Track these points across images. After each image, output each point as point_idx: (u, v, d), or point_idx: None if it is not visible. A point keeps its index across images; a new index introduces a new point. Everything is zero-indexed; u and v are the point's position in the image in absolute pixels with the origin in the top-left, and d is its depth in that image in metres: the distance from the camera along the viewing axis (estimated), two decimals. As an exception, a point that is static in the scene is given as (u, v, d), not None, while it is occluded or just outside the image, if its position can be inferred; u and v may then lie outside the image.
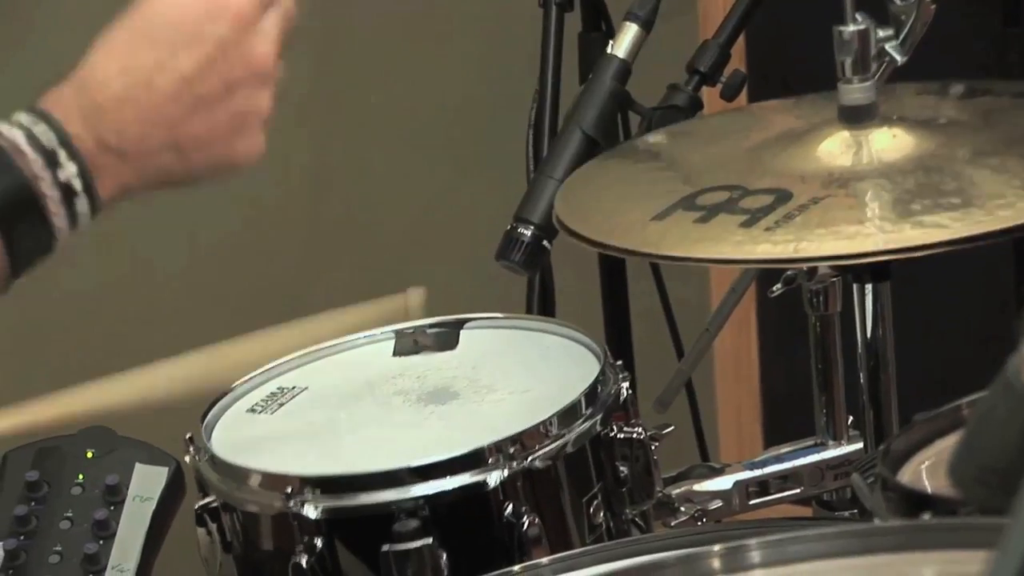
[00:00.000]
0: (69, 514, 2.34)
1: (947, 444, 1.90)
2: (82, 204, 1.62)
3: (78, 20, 2.72)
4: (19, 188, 1.58)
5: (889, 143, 2.05)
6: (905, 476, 1.90)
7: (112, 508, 2.33)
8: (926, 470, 1.91)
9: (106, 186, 1.64)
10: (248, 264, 3.20)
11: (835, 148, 2.05)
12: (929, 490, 1.85)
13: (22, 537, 2.29)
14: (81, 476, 2.37)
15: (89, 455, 2.41)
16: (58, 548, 2.29)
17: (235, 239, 3.21)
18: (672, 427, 2.17)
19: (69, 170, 1.59)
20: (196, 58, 1.69)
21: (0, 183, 1.58)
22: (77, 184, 1.60)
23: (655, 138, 2.25)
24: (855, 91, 2.05)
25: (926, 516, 1.78)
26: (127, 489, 2.36)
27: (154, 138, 1.66)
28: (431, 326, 2.22)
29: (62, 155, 1.59)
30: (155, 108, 1.66)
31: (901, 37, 2.21)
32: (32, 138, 1.59)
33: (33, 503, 2.34)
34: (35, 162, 1.58)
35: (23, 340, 3.11)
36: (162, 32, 1.70)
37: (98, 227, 1.74)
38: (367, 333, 2.22)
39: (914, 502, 1.82)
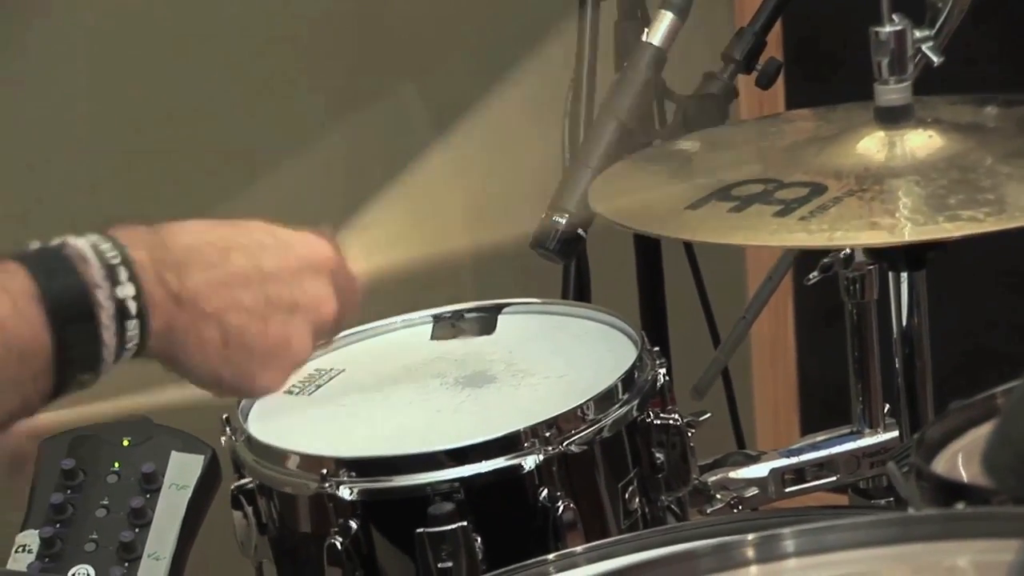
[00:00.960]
0: (105, 502, 2.34)
1: (982, 433, 1.90)
2: (132, 328, 1.61)
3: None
4: (78, 293, 1.58)
5: (924, 143, 2.06)
6: (940, 465, 1.89)
7: (148, 496, 2.33)
8: (961, 459, 1.91)
9: (156, 322, 1.63)
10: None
11: (871, 146, 2.06)
12: (964, 479, 1.85)
13: (58, 525, 2.29)
14: (117, 464, 2.38)
15: (125, 443, 2.41)
16: (94, 536, 2.28)
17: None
18: (709, 414, 2.19)
19: (127, 290, 1.59)
20: (278, 263, 1.74)
21: (60, 283, 1.57)
22: (132, 306, 1.60)
23: (687, 143, 2.25)
24: (891, 92, 2.06)
25: (960, 505, 1.78)
26: (163, 477, 2.36)
27: (210, 300, 1.68)
28: (469, 311, 2.23)
29: (123, 274, 1.59)
30: (221, 275, 1.69)
31: (938, 27, 2.21)
32: (97, 250, 1.59)
33: (69, 491, 2.34)
34: (97, 272, 1.58)
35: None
36: (257, 233, 1.76)
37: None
38: (405, 317, 2.24)
39: (949, 491, 1.81)
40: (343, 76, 3.29)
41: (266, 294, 1.71)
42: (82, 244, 1.60)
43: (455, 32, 3.30)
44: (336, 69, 3.29)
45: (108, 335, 1.58)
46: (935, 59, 2.16)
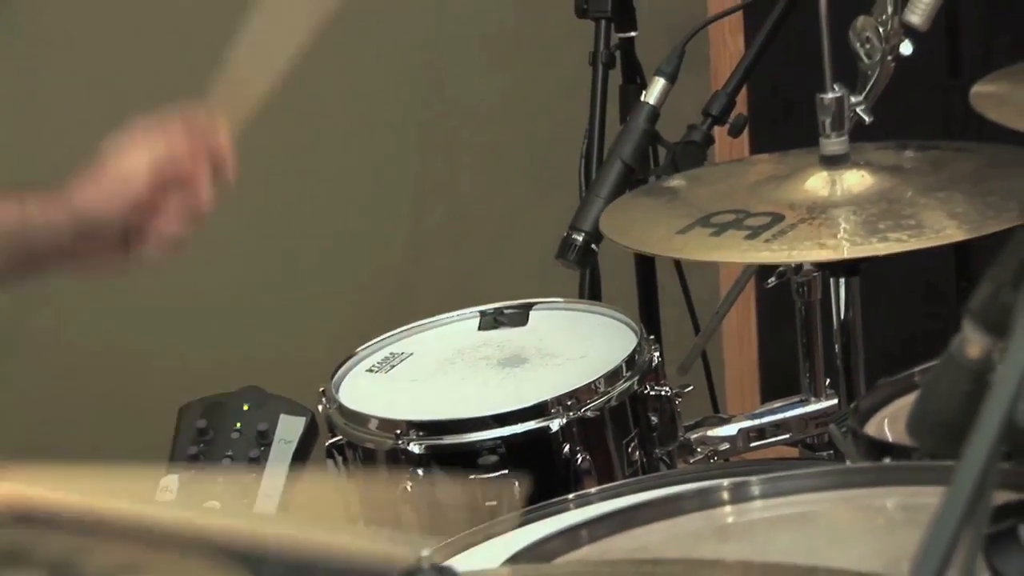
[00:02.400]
0: (229, 453, 2.36)
1: (904, 404, 1.89)
2: None
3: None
4: None
5: (858, 180, 2.04)
6: (870, 428, 1.89)
7: (262, 449, 2.35)
8: (887, 424, 1.91)
9: None
10: (358, 260, 3.18)
11: (817, 184, 2.04)
12: (890, 439, 1.85)
13: (193, 471, 2.30)
14: (239, 424, 2.39)
15: (245, 408, 2.42)
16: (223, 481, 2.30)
17: (352, 240, 3.19)
18: (691, 387, 2.19)
19: None
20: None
21: None
22: None
23: (675, 181, 2.23)
24: (832, 143, 2.05)
25: (887, 460, 1.77)
26: (274, 434, 2.37)
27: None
28: (507, 308, 2.22)
29: None
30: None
31: (867, 92, 2.20)
32: None
33: (202, 444, 2.37)
34: None
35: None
36: None
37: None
38: (458, 312, 2.23)
39: (878, 449, 1.82)
40: (373, 95, 3.25)
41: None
42: None
43: (498, 94, 3.27)
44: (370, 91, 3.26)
45: None
46: (866, 119, 2.16)
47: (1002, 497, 1.30)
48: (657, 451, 2.04)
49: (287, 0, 1.99)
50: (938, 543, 0.94)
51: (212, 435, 2.40)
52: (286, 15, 2.00)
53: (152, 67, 3.05)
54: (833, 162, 2.04)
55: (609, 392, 2.00)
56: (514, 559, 1.55)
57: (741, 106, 2.40)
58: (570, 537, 1.59)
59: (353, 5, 3.07)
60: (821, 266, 2.13)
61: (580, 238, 2.23)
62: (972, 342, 1.26)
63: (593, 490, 1.80)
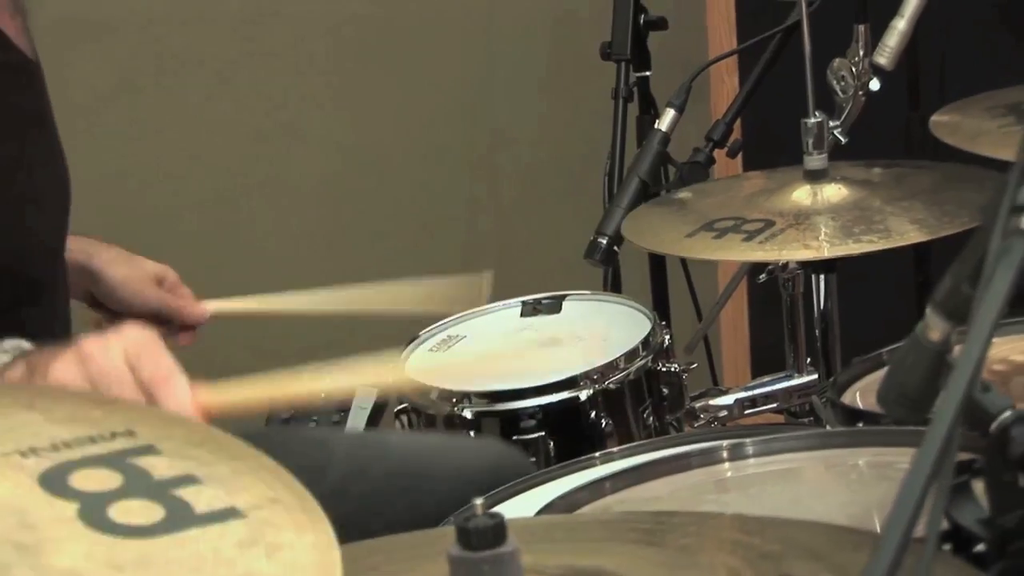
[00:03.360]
0: (315, 418, 2.33)
1: (874, 378, 1.89)
2: None
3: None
4: None
5: (836, 192, 2.03)
6: (846, 398, 1.88)
7: (342, 413, 2.33)
8: (859, 395, 1.89)
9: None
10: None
11: (802, 196, 2.04)
12: (862, 408, 1.84)
13: (285, 433, 2.29)
14: (323, 393, 2.37)
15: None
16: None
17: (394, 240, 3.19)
18: (695, 364, 2.17)
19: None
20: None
21: None
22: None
23: (683, 194, 2.23)
24: (814, 160, 2.04)
25: (860, 425, 1.76)
26: (352, 401, 2.35)
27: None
28: (545, 298, 2.20)
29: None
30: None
31: (843, 119, 2.20)
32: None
33: (293, 411, 2.35)
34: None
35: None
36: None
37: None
38: (504, 302, 2.20)
39: (852, 416, 1.81)
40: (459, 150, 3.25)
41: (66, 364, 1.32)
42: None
43: (535, 124, 3.25)
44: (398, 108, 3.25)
45: None
46: (842, 140, 2.15)
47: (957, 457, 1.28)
48: (667, 417, 2.03)
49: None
50: (910, 494, 0.92)
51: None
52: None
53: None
54: (815, 177, 2.04)
55: (628, 368, 1.98)
56: (548, 507, 1.54)
57: (737, 132, 2.40)
58: (596, 488, 1.59)
59: (410, 50, 3.08)
60: (805, 264, 2.13)
61: (604, 241, 2.23)
62: (934, 327, 1.24)
63: (615, 449, 1.78)
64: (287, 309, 2.08)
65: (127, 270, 1.93)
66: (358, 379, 1.37)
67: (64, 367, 1.31)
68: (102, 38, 2.91)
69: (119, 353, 1.30)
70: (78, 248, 1.89)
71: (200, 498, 1.01)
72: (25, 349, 1.41)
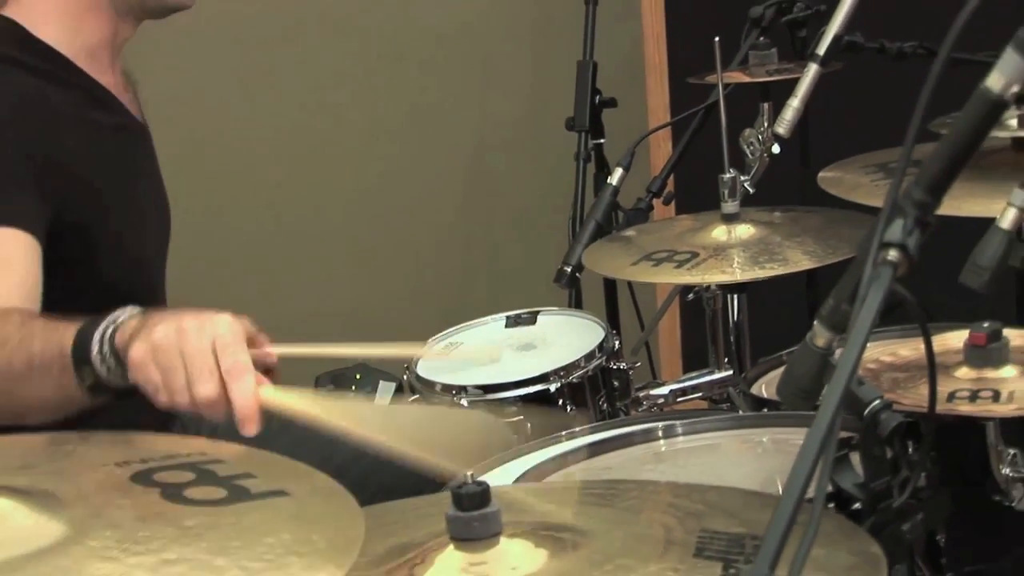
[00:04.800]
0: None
1: (776, 374, 1.88)
2: (102, 370, 1.30)
3: None
4: (85, 353, 1.30)
5: (746, 231, 2.00)
6: (754, 390, 1.87)
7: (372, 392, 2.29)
8: (764, 387, 1.88)
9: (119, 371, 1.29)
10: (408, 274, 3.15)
11: (720, 234, 2.01)
12: (766, 397, 1.82)
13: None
14: (353, 387, 2.35)
15: (357, 376, 2.38)
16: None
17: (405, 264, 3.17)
18: (639, 363, 2.16)
19: (108, 355, 1.30)
20: (185, 339, 1.24)
21: (81, 347, 1.30)
22: (109, 362, 1.30)
23: (629, 232, 2.19)
24: (729, 206, 2.01)
25: (764, 410, 1.75)
26: (375, 393, 2.32)
27: (137, 359, 1.27)
28: (524, 313, 2.16)
29: (107, 347, 1.30)
30: (149, 344, 1.26)
31: (751, 175, 2.19)
32: (103, 335, 1.31)
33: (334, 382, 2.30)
34: (96, 344, 1.30)
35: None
36: (187, 319, 1.26)
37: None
38: (493, 316, 2.16)
39: (759, 403, 1.80)
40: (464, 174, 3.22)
41: (170, 355, 1.24)
42: (101, 328, 1.30)
43: (519, 181, 3.23)
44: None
45: (100, 371, 1.30)
46: (751, 190, 2.14)
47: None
48: (617, 404, 2.00)
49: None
50: (803, 464, 0.90)
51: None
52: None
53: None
54: (730, 219, 2.01)
55: (587, 367, 1.95)
56: (523, 476, 1.52)
57: (671, 185, 2.38)
58: (561, 460, 1.57)
59: (415, 121, 3.04)
60: (722, 286, 2.10)
61: (568, 269, 2.20)
62: (820, 335, 1.23)
63: (577, 429, 1.74)
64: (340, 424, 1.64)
65: None
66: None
67: (164, 332, 1.23)
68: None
69: (210, 338, 1.23)
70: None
71: (255, 485, 1.04)
72: (143, 311, 1.32)
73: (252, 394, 1.22)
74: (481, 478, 1.10)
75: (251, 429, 1.22)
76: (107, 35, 1.65)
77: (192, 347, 1.23)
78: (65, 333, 1.32)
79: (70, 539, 0.94)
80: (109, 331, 1.30)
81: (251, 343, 1.27)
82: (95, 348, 1.29)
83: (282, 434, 1.25)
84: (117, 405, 1.33)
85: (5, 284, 1.44)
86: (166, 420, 1.64)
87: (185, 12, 1.67)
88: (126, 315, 1.31)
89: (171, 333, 1.24)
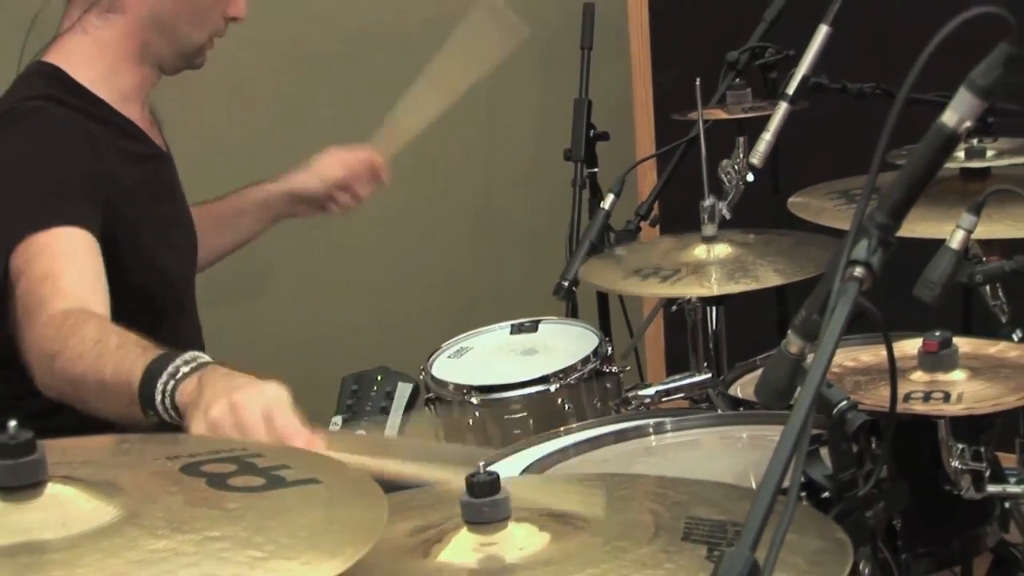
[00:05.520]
0: (370, 404, 2.28)
1: (752, 377, 1.86)
2: (162, 410, 1.29)
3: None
4: (151, 393, 1.29)
5: (724, 250, 1.98)
6: (732, 391, 1.86)
7: (388, 401, 2.26)
8: (741, 389, 1.87)
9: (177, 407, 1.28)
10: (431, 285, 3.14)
11: (700, 252, 1.99)
12: (743, 398, 1.81)
13: (348, 414, 2.23)
14: (375, 387, 2.32)
15: (379, 378, 2.34)
16: (366, 420, 2.22)
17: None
18: (628, 367, 2.11)
19: (168, 398, 1.29)
20: (235, 398, 1.22)
21: (147, 387, 1.29)
22: (167, 403, 1.29)
23: (619, 251, 2.17)
24: (709, 227, 1.99)
25: (741, 409, 1.73)
26: (395, 392, 2.30)
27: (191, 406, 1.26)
28: (527, 322, 2.14)
29: (170, 389, 1.28)
30: (204, 399, 1.25)
31: (728, 201, 2.17)
32: (170, 378, 1.29)
33: (354, 399, 2.26)
34: (159, 388, 1.29)
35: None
36: (239, 380, 1.26)
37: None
38: (499, 324, 2.13)
39: (736, 404, 1.79)
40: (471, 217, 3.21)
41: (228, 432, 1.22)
42: (162, 381, 1.28)
43: (522, 207, 3.21)
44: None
45: (164, 417, 1.29)
46: (728, 215, 2.11)
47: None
48: (610, 403, 1.97)
49: (449, 72, 1.89)
50: (779, 459, 0.90)
51: (360, 393, 2.33)
52: (444, 85, 1.91)
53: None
54: (709, 240, 1.99)
55: (583, 370, 1.92)
56: (528, 467, 1.51)
57: (656, 209, 2.36)
58: (561, 454, 1.56)
59: (432, 152, 3.02)
60: (702, 299, 2.07)
61: (566, 283, 2.17)
62: (793, 343, 1.22)
63: (574, 425, 1.74)
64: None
65: (320, 169, 1.99)
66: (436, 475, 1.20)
67: (220, 411, 1.21)
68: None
69: (260, 408, 1.20)
70: (259, 188, 1.99)
71: (290, 474, 1.04)
72: (201, 362, 1.29)
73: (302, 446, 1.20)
74: (491, 468, 1.10)
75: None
76: (136, 82, 1.69)
77: (248, 423, 1.20)
78: (133, 368, 1.29)
79: (125, 520, 0.96)
80: (170, 387, 1.27)
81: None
82: (158, 399, 1.28)
83: None
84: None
85: (78, 275, 1.44)
86: None
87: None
88: (186, 368, 1.28)
89: (226, 411, 1.21)
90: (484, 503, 1.08)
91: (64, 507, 0.96)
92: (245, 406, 1.21)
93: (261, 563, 0.90)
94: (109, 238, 1.54)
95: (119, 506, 0.97)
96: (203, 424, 1.22)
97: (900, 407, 1.39)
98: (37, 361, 1.38)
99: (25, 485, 0.96)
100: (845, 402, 1.24)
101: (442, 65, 1.87)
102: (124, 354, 1.32)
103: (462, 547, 1.08)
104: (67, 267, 1.43)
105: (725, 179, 2.18)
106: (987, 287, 1.70)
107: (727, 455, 1.55)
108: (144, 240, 1.64)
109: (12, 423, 0.97)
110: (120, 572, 0.88)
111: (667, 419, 1.59)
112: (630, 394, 2.09)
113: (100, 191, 1.55)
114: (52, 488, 0.97)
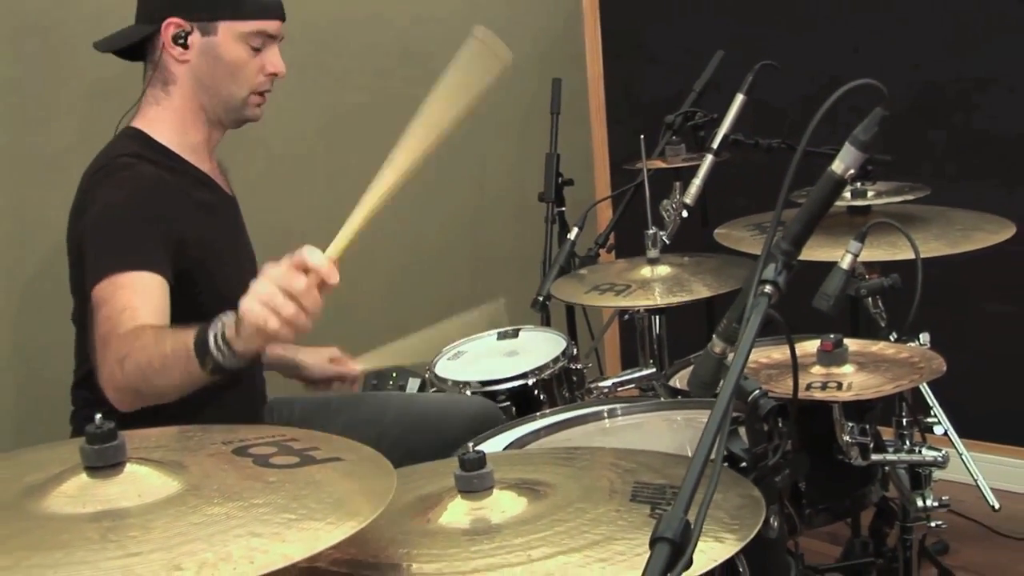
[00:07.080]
0: (391, 383, 2.18)
1: (687, 372, 1.85)
2: (219, 355, 1.31)
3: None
4: (205, 346, 1.31)
5: (666, 270, 1.98)
6: (672, 383, 1.85)
7: (403, 387, 2.22)
8: (679, 380, 1.86)
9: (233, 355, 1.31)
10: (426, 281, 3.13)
11: (645, 272, 1.99)
12: (680, 388, 1.80)
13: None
14: (391, 381, 2.29)
15: (394, 375, 2.33)
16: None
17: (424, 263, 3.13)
18: (591, 364, 2.12)
19: (223, 346, 1.32)
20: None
21: (201, 342, 1.31)
22: (224, 350, 1.32)
23: (583, 271, 2.17)
24: (653, 252, 2.00)
25: (679, 397, 1.73)
26: (407, 385, 2.27)
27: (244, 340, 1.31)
28: (511, 330, 2.13)
29: (222, 341, 1.32)
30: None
31: (668, 231, 2.16)
32: (218, 333, 1.32)
33: (375, 390, 2.16)
34: (212, 341, 1.32)
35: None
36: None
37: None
38: (488, 332, 2.12)
39: (674, 392, 1.77)
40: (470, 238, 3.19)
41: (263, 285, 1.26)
42: (214, 326, 1.31)
43: (507, 241, 3.21)
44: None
45: (217, 357, 1.32)
46: (668, 242, 2.11)
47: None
48: (576, 393, 1.97)
49: (443, 105, 1.41)
50: (707, 435, 0.89)
51: (379, 386, 2.28)
52: (438, 118, 1.42)
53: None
54: (653, 262, 1.99)
55: (554, 367, 1.92)
56: (510, 445, 1.50)
57: (612, 239, 2.36)
58: (535, 434, 1.55)
59: (429, 194, 3.00)
60: (648, 309, 2.08)
61: (541, 298, 2.16)
62: (717, 345, 1.23)
63: (548, 411, 1.73)
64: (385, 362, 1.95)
65: (313, 357, 1.90)
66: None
67: (254, 286, 1.25)
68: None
69: (280, 266, 1.26)
70: (282, 352, 1.89)
71: (319, 454, 1.05)
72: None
73: (322, 258, 1.25)
74: (480, 448, 1.10)
75: (335, 276, 1.25)
76: (204, 137, 1.68)
77: (272, 274, 1.25)
78: (187, 336, 1.33)
79: (188, 491, 0.98)
80: (219, 327, 1.31)
81: (338, 363, 1.54)
82: (211, 341, 1.30)
83: (337, 421, 1.24)
84: (224, 404, 1.33)
85: (148, 309, 1.45)
86: (258, 412, 1.75)
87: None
88: (228, 318, 1.32)
89: (256, 283, 1.26)
90: (473, 475, 1.09)
91: (140, 482, 0.97)
92: (268, 272, 1.25)
93: (295, 523, 0.91)
94: (182, 274, 1.53)
95: (183, 481, 0.98)
96: (255, 303, 1.23)
97: (802, 394, 1.40)
98: (110, 374, 1.38)
99: (109, 465, 0.97)
100: (758, 391, 1.23)
101: (438, 99, 1.68)
102: (178, 334, 1.35)
103: (456, 511, 1.08)
104: (142, 303, 1.44)
105: (665, 215, 2.18)
106: (870, 299, 1.72)
107: (667, 433, 1.55)
108: (214, 273, 1.62)
109: (98, 416, 0.98)
110: (183, 532, 0.90)
111: (619, 405, 1.59)
112: (592, 385, 2.08)
113: (173, 237, 1.54)
114: (130, 467, 0.98)
